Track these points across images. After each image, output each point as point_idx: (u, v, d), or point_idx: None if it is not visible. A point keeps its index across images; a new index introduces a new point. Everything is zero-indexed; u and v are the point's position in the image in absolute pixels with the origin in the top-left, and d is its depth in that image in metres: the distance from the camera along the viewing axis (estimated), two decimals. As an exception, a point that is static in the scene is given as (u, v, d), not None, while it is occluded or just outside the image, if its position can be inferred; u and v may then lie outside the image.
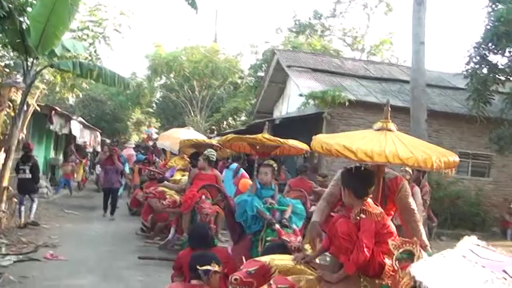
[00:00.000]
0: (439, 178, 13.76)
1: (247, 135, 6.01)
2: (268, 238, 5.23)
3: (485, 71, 13.69)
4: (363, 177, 3.49)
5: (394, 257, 3.07)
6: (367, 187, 3.48)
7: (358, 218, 3.37)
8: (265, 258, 3.54)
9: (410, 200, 3.80)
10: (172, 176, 9.96)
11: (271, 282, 3.27)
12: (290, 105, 19.00)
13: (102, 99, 31.69)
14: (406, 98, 15.85)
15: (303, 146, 5.86)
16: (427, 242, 3.58)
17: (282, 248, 4.34)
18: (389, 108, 3.64)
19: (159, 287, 5.77)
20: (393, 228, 3.47)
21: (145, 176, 13.39)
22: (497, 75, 13.47)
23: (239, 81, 32.25)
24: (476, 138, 15.81)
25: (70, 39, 12.81)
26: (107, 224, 11.58)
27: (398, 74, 19.96)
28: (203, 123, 29.00)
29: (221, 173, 12.07)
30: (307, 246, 4.79)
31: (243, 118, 30.96)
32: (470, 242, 2.54)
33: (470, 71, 13.91)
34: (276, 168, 5.74)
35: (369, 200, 3.46)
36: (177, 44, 35.08)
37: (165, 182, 9.74)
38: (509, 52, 13.03)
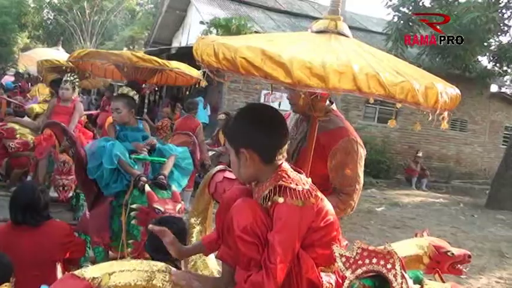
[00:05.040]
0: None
1: (111, 51, 4.11)
2: (135, 205, 3.51)
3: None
4: (270, 124, 1.85)
5: (346, 284, 1.51)
6: (281, 141, 1.87)
7: (270, 202, 1.77)
8: (95, 272, 1.83)
9: (355, 169, 2.28)
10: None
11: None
12: (191, 35, 17.09)
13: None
14: (317, 35, 14.60)
15: (193, 72, 4.09)
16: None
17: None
18: (341, -3, 2.02)
19: None
20: (333, 215, 1.87)
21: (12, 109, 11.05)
22: (421, 16, 12.32)
23: (137, 8, 29.47)
24: (385, 84, 15.10)
25: None
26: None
27: (309, 10, 18.76)
28: (94, 51, 26.16)
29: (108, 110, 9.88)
30: (193, 221, 3.19)
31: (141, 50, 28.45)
32: None
33: (393, 7, 12.65)
34: (134, 99, 3.85)
35: (285, 165, 1.87)
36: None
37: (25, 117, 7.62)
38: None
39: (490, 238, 8.29)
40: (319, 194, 1.84)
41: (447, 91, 1.70)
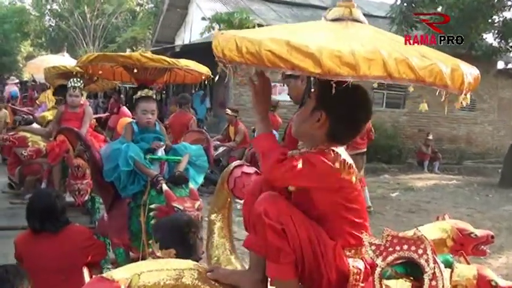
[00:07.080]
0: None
1: (119, 53, 4.10)
2: (153, 205, 3.52)
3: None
4: (361, 120, 1.90)
5: (378, 271, 1.51)
6: (354, 136, 1.95)
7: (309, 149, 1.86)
8: (124, 273, 1.83)
9: None
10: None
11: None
12: (193, 32, 17.09)
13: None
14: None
15: (202, 68, 4.08)
16: None
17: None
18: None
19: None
20: (363, 199, 1.92)
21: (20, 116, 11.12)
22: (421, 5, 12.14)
23: (137, 8, 29.47)
24: (391, 68, 15.00)
25: None
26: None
27: (310, -1, 18.56)
28: (97, 54, 26.25)
29: (117, 113, 9.79)
30: (214, 218, 3.19)
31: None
32: None
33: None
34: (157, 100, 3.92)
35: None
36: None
37: (34, 124, 7.66)
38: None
39: (506, 217, 8.24)
40: (355, 172, 1.88)
41: (470, 72, 1.70)
